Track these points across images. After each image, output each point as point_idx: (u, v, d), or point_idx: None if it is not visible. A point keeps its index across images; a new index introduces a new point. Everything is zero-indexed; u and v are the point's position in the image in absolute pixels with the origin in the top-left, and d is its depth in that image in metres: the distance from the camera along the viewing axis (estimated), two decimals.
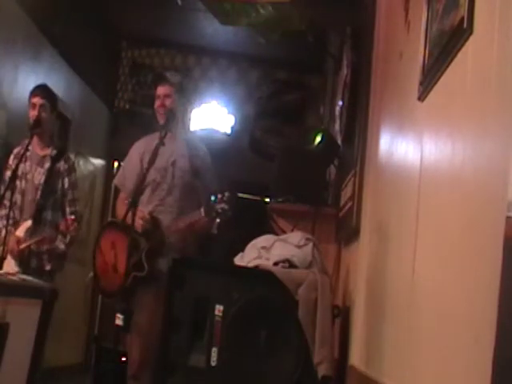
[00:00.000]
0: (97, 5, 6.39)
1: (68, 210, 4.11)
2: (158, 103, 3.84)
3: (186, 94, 4.03)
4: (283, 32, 5.19)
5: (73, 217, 3.97)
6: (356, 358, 2.97)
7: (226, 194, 3.41)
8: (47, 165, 4.09)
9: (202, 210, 3.47)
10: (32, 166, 4.08)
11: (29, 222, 3.95)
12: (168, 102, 3.81)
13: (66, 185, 4.13)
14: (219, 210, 3.38)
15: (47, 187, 4.03)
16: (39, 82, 5.51)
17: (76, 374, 6.75)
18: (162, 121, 3.81)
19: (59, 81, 5.99)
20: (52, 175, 4.06)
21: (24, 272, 3.74)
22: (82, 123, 6.65)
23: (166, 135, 3.59)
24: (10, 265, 3.85)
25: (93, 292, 7.43)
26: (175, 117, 3.83)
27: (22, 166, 4.01)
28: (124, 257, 3.43)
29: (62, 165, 4.11)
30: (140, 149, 3.93)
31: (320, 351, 2.95)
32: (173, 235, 3.66)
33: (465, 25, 1.52)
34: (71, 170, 4.20)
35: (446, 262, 1.61)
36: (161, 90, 3.85)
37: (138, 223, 3.57)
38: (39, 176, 4.07)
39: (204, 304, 3.04)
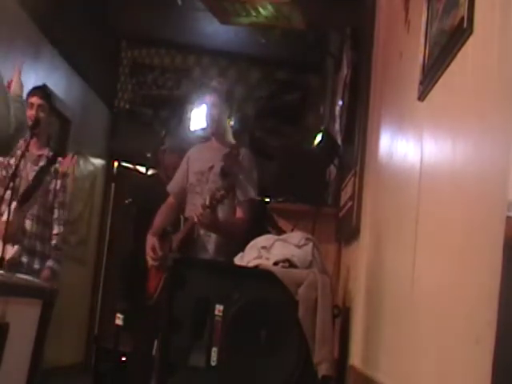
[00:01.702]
0: (97, 5, 6.39)
1: (56, 212, 4.14)
2: (206, 112, 3.91)
3: (231, 101, 4.05)
4: (283, 32, 5.20)
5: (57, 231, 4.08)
6: (356, 357, 2.97)
7: (226, 181, 3.46)
8: (42, 163, 4.11)
9: (207, 198, 3.49)
10: (27, 165, 4.09)
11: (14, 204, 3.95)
12: (214, 112, 3.85)
13: (58, 186, 4.15)
14: (218, 197, 3.43)
15: (36, 181, 4.05)
16: (39, 81, 5.52)
17: (76, 374, 6.74)
18: (210, 130, 3.90)
19: (59, 81, 5.98)
20: (44, 172, 4.08)
21: (16, 269, 3.76)
22: (82, 123, 6.65)
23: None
24: (8, 250, 3.87)
25: (92, 292, 7.44)
26: (222, 124, 3.87)
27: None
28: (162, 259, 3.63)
29: (56, 167, 4.13)
30: (189, 155, 4.01)
31: (320, 351, 2.95)
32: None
33: (465, 25, 1.52)
34: (65, 173, 4.22)
35: (445, 262, 1.61)
36: (208, 99, 3.89)
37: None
38: (32, 173, 4.08)
39: (204, 304, 3.04)
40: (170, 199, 4.02)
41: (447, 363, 1.51)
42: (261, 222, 4.12)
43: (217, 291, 3.06)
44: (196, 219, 3.55)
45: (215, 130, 3.89)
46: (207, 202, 3.47)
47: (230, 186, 3.46)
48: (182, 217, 3.84)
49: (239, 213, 3.74)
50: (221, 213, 3.67)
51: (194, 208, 3.74)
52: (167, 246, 3.75)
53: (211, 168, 3.81)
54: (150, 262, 3.81)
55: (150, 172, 6.37)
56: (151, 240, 3.82)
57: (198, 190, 3.82)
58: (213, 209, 3.49)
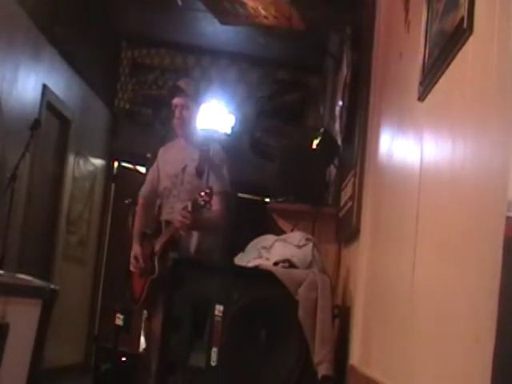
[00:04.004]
0: (97, 5, 6.39)
1: None
2: (176, 115, 3.90)
3: (199, 99, 4.05)
4: (283, 32, 5.21)
5: None
6: (356, 357, 2.97)
7: (208, 188, 3.48)
8: None
9: (189, 204, 3.50)
10: None
11: None
12: (186, 114, 3.86)
13: None
14: (201, 203, 3.44)
15: None
16: (39, 81, 5.53)
17: (76, 373, 6.74)
18: (180, 132, 3.91)
19: (59, 81, 5.99)
20: None
21: None
22: (82, 123, 6.65)
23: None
24: None
25: (92, 292, 7.44)
26: (191, 125, 3.89)
27: None
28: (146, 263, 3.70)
29: None
30: (160, 156, 4.02)
31: (320, 351, 2.95)
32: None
33: (465, 25, 1.52)
34: None
35: (445, 262, 1.61)
36: (178, 101, 3.89)
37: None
38: None
39: (204, 304, 3.04)
40: (141, 200, 4.09)
41: (447, 363, 1.51)
42: (261, 222, 4.13)
43: (217, 291, 3.06)
44: (178, 225, 3.57)
45: (183, 132, 3.93)
46: (189, 208, 3.48)
47: (211, 191, 3.46)
48: (163, 220, 3.85)
49: (214, 205, 3.75)
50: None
51: (172, 211, 3.76)
52: (148, 249, 3.78)
53: (184, 169, 3.83)
54: (132, 268, 3.85)
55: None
56: (135, 248, 3.87)
57: (175, 193, 3.85)
58: (197, 213, 3.51)
